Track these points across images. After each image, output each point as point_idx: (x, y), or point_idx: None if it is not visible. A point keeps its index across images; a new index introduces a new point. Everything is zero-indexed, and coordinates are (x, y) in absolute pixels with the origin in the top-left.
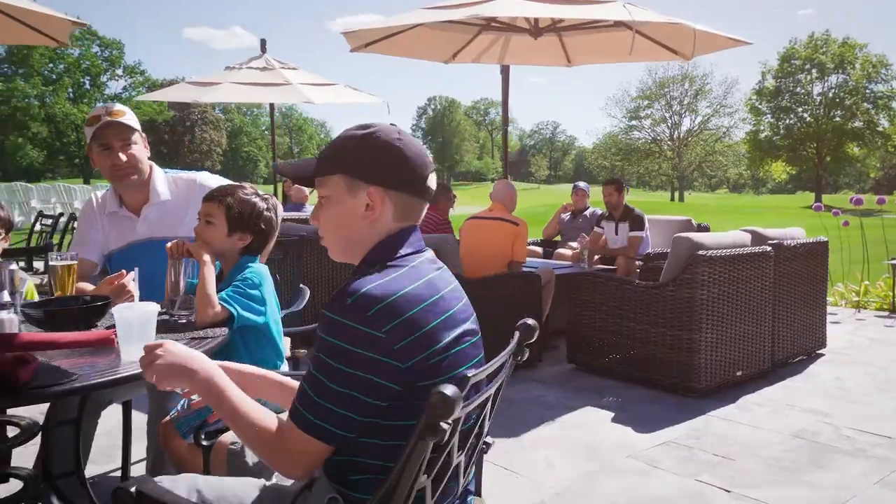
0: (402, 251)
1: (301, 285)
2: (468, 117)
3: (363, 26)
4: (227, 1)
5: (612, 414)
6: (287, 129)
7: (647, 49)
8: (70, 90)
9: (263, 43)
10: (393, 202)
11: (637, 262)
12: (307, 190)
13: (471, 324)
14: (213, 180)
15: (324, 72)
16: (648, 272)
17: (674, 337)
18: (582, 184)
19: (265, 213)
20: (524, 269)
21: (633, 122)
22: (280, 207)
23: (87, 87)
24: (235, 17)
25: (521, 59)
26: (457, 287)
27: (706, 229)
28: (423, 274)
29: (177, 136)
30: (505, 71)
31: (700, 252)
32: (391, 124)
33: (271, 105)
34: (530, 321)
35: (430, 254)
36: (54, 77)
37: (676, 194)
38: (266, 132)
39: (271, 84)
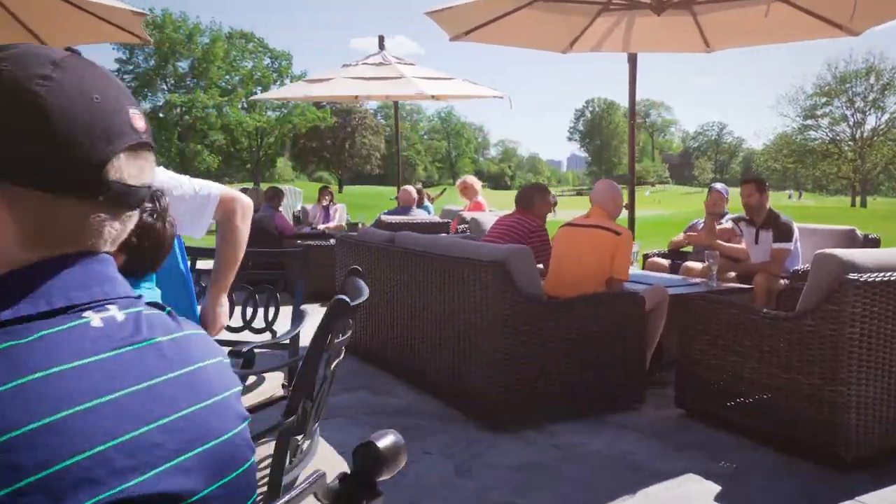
0: (23, 306)
1: (302, 307)
2: (627, 119)
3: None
4: (392, 12)
5: (720, 488)
6: (445, 134)
7: (801, 24)
8: (243, 100)
9: (381, 40)
10: (16, 209)
11: (782, 282)
12: (413, 190)
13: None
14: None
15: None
16: (789, 297)
17: (812, 386)
18: (719, 185)
19: (146, 219)
20: (628, 286)
21: (809, 122)
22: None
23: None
24: (399, 27)
25: (649, 45)
26: (177, 383)
27: (875, 243)
28: (56, 359)
29: (338, 142)
30: (632, 59)
31: (850, 276)
32: (46, 52)
33: (395, 103)
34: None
35: (123, 314)
36: (230, 88)
37: (858, 199)
38: (425, 137)
39: (384, 78)
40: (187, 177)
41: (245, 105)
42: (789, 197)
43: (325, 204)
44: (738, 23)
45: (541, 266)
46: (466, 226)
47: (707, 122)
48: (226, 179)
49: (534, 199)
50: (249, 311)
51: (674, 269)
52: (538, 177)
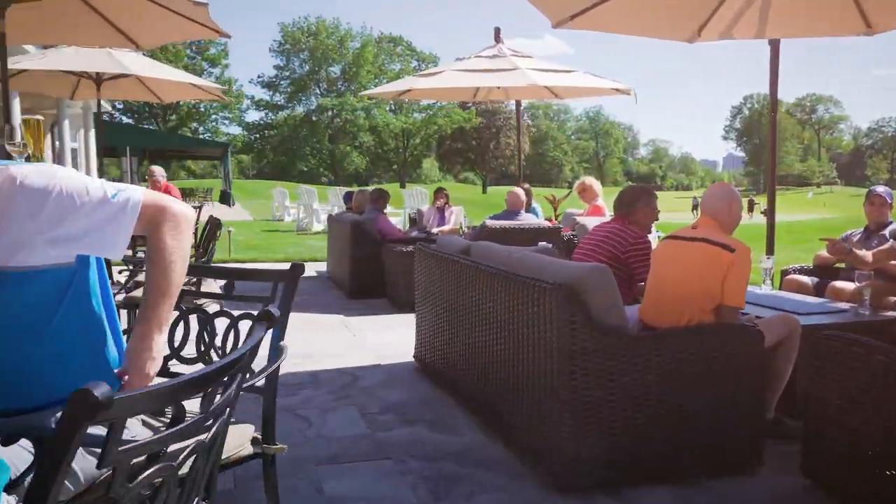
0: None
1: (282, 343)
2: (791, 115)
3: None
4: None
5: None
6: (593, 134)
7: None
8: (391, 103)
9: (497, 32)
10: None
11: None
12: (521, 193)
13: None
14: (38, 176)
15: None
16: None
17: None
18: (881, 188)
19: None
20: (750, 312)
21: None
22: None
23: (406, 101)
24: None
25: (792, 29)
26: None
27: None
28: None
29: (483, 142)
30: (774, 46)
31: None
32: None
33: (518, 103)
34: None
35: None
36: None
37: None
38: (573, 137)
39: (496, 70)
40: (100, 180)
41: (392, 107)
42: None
43: (439, 206)
44: None
45: (642, 284)
46: (574, 233)
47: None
48: (374, 180)
49: (635, 204)
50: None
51: (819, 289)
52: (691, 177)
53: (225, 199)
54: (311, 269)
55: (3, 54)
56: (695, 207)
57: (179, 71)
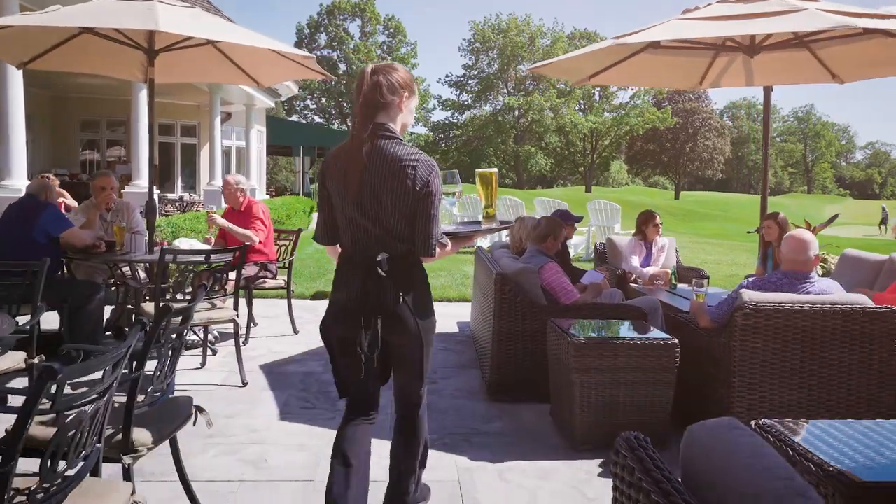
0: None
1: None
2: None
3: None
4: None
5: None
6: (802, 135)
7: None
8: (581, 101)
9: None
10: None
11: None
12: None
13: None
14: None
15: None
16: None
17: None
18: None
19: None
20: None
21: None
22: None
23: (597, 97)
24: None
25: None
26: None
27: None
28: None
29: (678, 144)
30: (767, 91)
31: None
32: None
33: (766, 91)
34: None
35: None
36: (568, 89)
37: None
38: (778, 139)
39: (763, 14)
40: None
41: (582, 106)
42: None
43: (648, 238)
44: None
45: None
46: None
47: None
48: (559, 182)
49: None
50: None
51: None
52: None
53: None
54: (452, 317)
55: (151, 96)
56: (883, 221)
57: (259, 35)
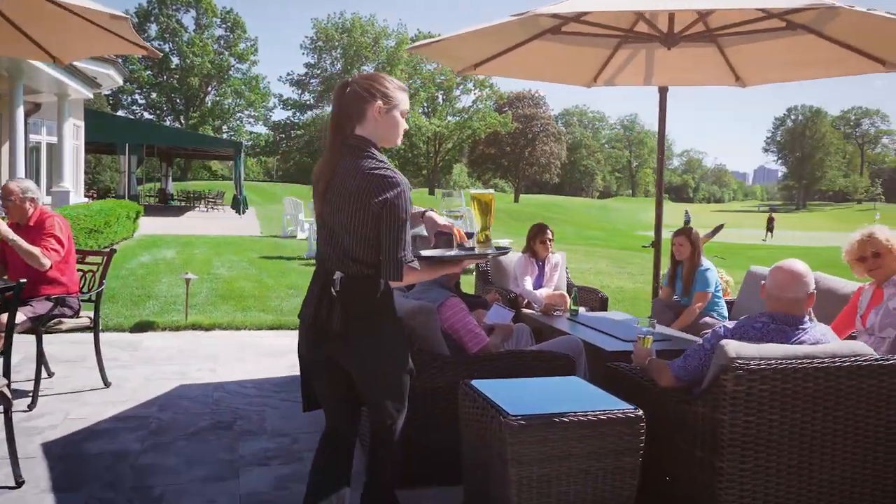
0: None
1: None
2: (835, 128)
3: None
4: None
5: None
6: (627, 143)
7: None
8: (424, 104)
9: None
10: None
11: None
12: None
13: None
14: None
15: None
16: None
17: None
18: None
19: None
20: None
21: None
22: None
23: (440, 100)
24: None
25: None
26: None
27: None
28: None
29: (518, 149)
30: (662, 92)
31: None
32: None
33: (661, 91)
34: None
35: None
36: (411, 92)
37: None
38: (606, 146)
39: None
40: None
41: (426, 109)
42: None
43: (540, 255)
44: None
45: None
46: None
47: None
48: None
49: None
50: None
51: None
52: (724, 189)
53: (236, 205)
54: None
55: None
56: (769, 228)
57: None
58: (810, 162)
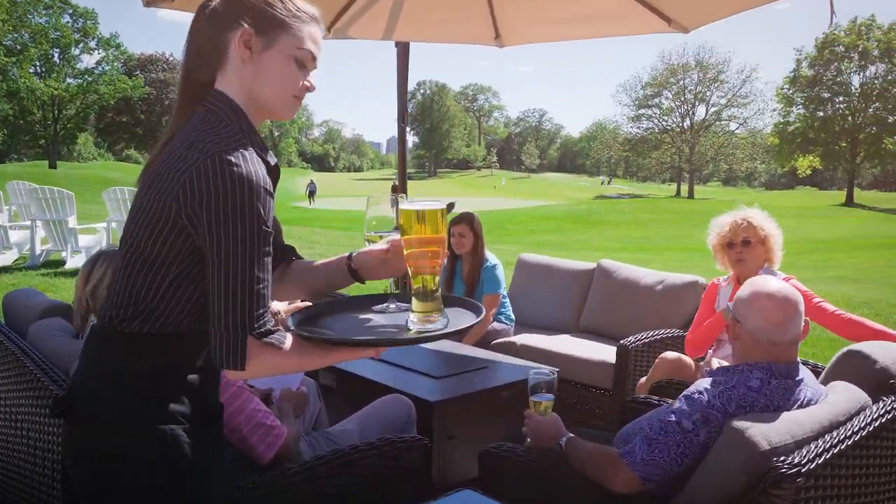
0: None
1: None
2: (457, 102)
3: None
4: None
5: None
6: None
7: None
8: (37, 63)
9: None
10: None
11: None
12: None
13: None
14: None
15: None
16: None
17: None
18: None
19: None
20: None
21: (643, 111)
22: None
23: (57, 60)
24: None
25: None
26: None
27: None
28: None
29: (153, 116)
30: (402, 48)
31: None
32: None
33: (402, 46)
34: None
35: None
36: (18, 48)
37: (685, 188)
38: None
39: None
40: None
41: (39, 69)
42: (602, 183)
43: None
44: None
45: None
46: None
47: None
48: (12, 157)
49: None
50: None
51: None
52: (363, 159)
53: None
54: None
55: None
56: (310, 195)
57: None
58: (438, 133)
